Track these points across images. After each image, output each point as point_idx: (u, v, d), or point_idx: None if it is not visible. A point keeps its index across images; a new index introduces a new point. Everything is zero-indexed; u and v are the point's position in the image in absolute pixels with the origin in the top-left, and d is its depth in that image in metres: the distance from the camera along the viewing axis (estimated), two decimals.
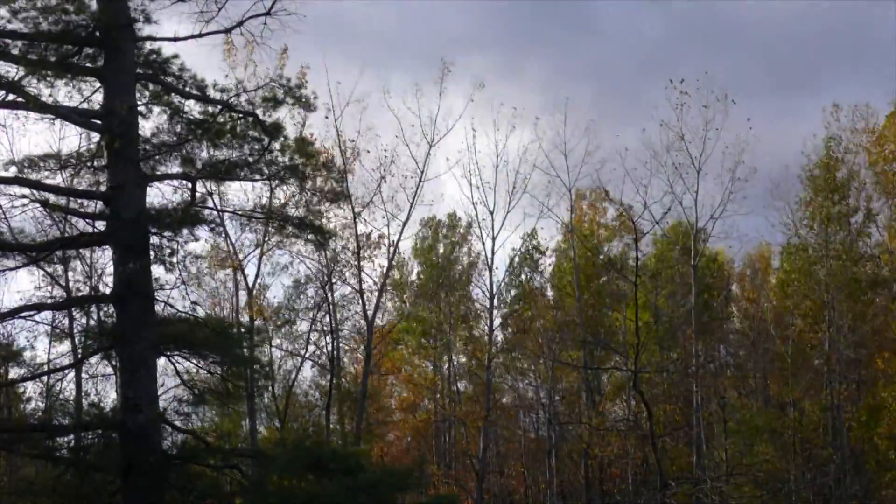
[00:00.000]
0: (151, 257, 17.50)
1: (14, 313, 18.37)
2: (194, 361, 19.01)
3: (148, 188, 18.01)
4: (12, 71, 17.39)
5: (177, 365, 19.00)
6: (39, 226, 23.90)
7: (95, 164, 18.37)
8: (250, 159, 18.58)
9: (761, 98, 73.19)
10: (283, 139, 18.77)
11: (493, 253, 40.56)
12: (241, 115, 18.59)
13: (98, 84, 18.10)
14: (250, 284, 37.16)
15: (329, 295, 38.00)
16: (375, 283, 38.52)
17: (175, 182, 18.84)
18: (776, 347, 41.16)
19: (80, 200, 18.81)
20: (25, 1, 17.03)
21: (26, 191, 17.91)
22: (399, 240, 38.40)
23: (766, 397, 43.64)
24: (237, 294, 38.07)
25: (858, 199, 40.72)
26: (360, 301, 37.73)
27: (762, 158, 65.33)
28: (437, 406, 47.38)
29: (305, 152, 19.13)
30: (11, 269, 18.11)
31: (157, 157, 18.47)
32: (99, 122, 17.91)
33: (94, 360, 22.50)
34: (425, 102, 37.15)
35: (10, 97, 17.52)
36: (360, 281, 37.55)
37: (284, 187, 19.79)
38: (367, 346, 37.86)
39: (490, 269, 41.30)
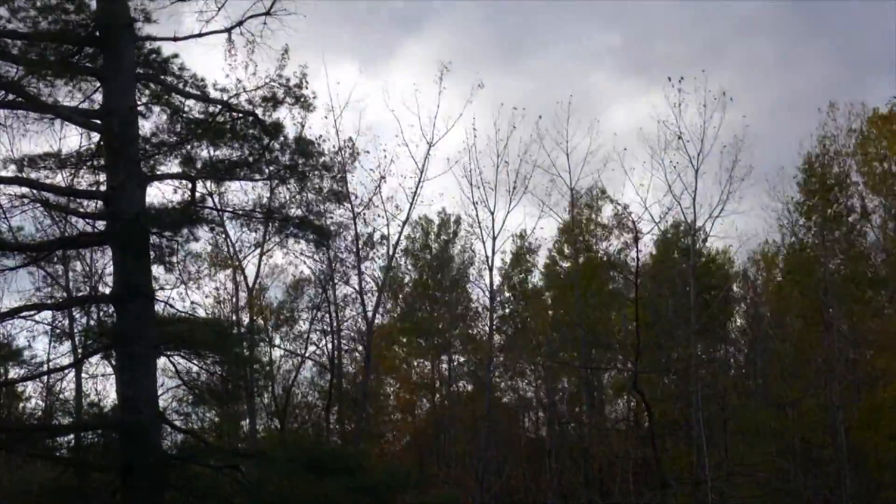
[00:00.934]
0: (151, 257, 17.49)
1: (14, 313, 18.37)
2: (194, 361, 19.00)
3: (148, 188, 18.01)
4: (12, 71, 17.39)
5: (177, 365, 19.01)
6: (39, 226, 23.94)
7: (95, 164, 18.35)
8: (250, 159, 18.58)
9: None
10: (282, 139, 18.77)
11: (493, 253, 40.63)
12: (241, 115, 18.59)
13: (98, 84, 18.09)
14: (250, 284, 37.19)
15: (329, 295, 38.02)
16: (375, 284, 38.56)
17: (175, 182, 18.83)
18: (776, 347, 41.17)
19: (79, 200, 18.77)
20: (25, 1, 17.04)
21: (26, 190, 17.89)
22: (399, 240, 38.44)
23: (766, 397, 43.62)
24: (237, 294, 38.10)
25: (849, 197, 40.77)
26: (360, 301, 37.76)
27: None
28: (437, 406, 47.39)
29: (305, 152, 19.13)
30: (11, 269, 18.08)
31: (156, 156, 18.46)
32: (99, 121, 17.90)
33: (94, 360, 22.58)
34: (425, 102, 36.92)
35: (10, 97, 17.52)
36: (361, 281, 37.60)
37: (284, 187, 19.76)
38: (367, 346, 37.87)
39: (490, 269, 41.37)
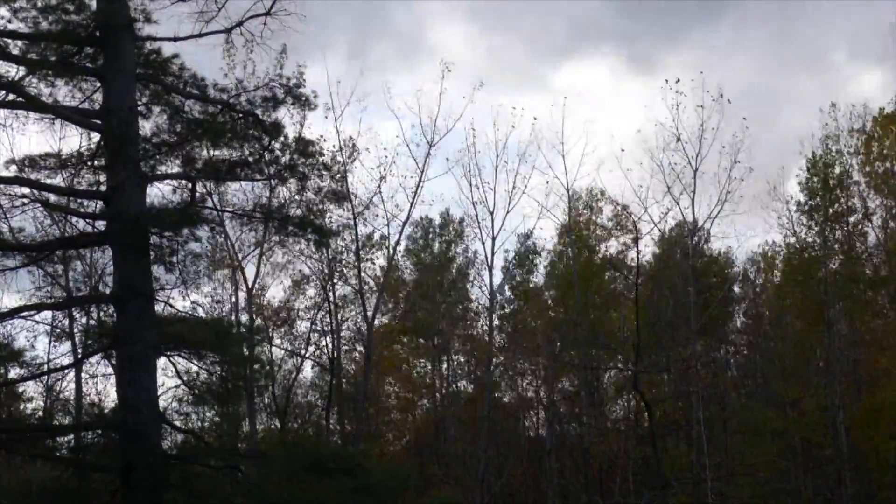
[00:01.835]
0: (151, 257, 17.49)
1: (14, 313, 18.35)
2: (194, 361, 19.00)
3: (148, 188, 18.01)
4: (12, 71, 17.40)
5: (177, 365, 19.01)
6: (39, 226, 23.93)
7: (95, 164, 18.35)
8: (250, 159, 18.58)
9: None
10: (283, 139, 18.77)
11: (492, 253, 40.65)
12: (241, 115, 18.58)
13: (98, 84, 18.08)
14: (250, 284, 37.20)
15: (330, 295, 38.05)
16: (375, 283, 38.58)
17: (175, 182, 18.83)
18: (776, 347, 41.17)
19: (80, 200, 18.78)
20: (26, 1, 17.04)
21: (26, 191, 17.89)
22: (399, 240, 38.42)
23: (766, 397, 43.63)
24: (237, 294, 38.13)
25: (850, 197, 40.76)
26: (360, 301, 37.76)
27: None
28: (437, 406, 47.40)
29: (305, 152, 19.13)
30: (11, 269, 18.08)
31: (157, 157, 18.46)
32: (99, 122, 17.90)
33: (94, 360, 22.53)
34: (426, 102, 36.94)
35: (10, 97, 17.52)
36: (361, 281, 37.59)
37: (284, 187, 19.76)
38: (367, 346, 37.88)
39: (490, 270, 41.39)
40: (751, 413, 41.26)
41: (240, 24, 18.82)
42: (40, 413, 33.54)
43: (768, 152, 66.61)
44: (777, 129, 67.28)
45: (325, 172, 19.81)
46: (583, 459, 41.06)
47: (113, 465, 17.37)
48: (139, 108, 18.14)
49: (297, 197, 20.48)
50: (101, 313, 22.20)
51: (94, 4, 17.67)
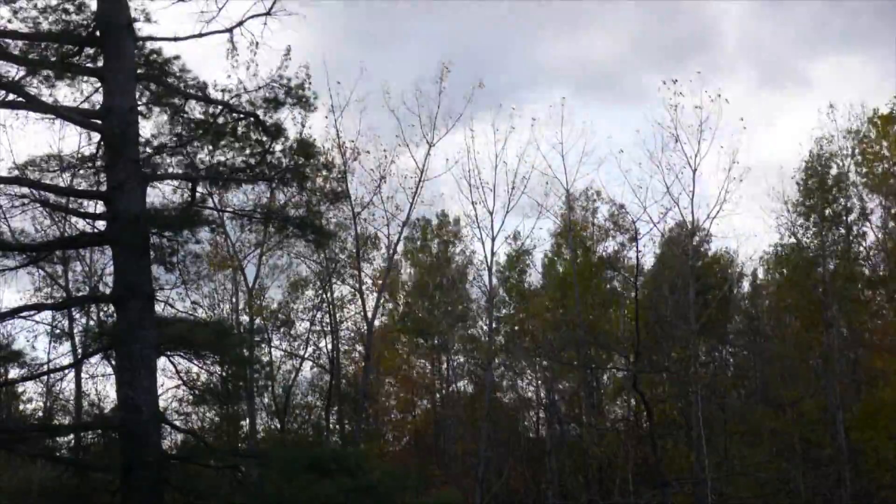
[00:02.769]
0: (151, 257, 17.49)
1: (14, 313, 18.36)
2: (194, 361, 19.00)
3: (148, 188, 18.00)
4: (12, 71, 17.40)
5: (177, 365, 19.02)
6: (39, 226, 23.96)
7: (95, 164, 18.35)
8: (252, 161, 18.56)
9: None
10: (284, 140, 18.76)
11: (492, 253, 40.64)
12: (241, 116, 18.57)
13: (98, 84, 18.07)
14: (250, 285, 37.18)
15: (329, 295, 38.05)
16: (375, 284, 38.58)
17: (175, 182, 18.83)
18: (776, 347, 41.15)
19: (80, 200, 18.77)
20: (26, 1, 17.05)
21: (26, 191, 17.89)
22: (399, 240, 38.40)
23: (765, 397, 43.62)
24: (237, 294, 38.11)
25: (848, 198, 40.79)
26: (360, 301, 37.76)
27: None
28: (437, 406, 47.38)
29: (306, 153, 19.11)
30: (11, 269, 18.08)
31: (157, 157, 18.46)
32: (99, 122, 17.89)
33: (94, 360, 22.56)
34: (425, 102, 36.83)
35: (11, 97, 17.52)
36: (360, 281, 37.58)
37: (285, 188, 19.74)
38: (366, 346, 37.88)
39: (490, 270, 41.34)
40: (751, 413, 41.26)
41: (240, 23, 18.78)
42: (40, 413, 33.60)
43: None
44: None
45: (325, 173, 19.83)
46: (583, 459, 41.07)
47: (113, 465, 17.36)
48: (140, 109, 18.13)
49: (297, 197, 20.51)
50: (101, 313, 22.19)
51: (94, 4, 17.66)
